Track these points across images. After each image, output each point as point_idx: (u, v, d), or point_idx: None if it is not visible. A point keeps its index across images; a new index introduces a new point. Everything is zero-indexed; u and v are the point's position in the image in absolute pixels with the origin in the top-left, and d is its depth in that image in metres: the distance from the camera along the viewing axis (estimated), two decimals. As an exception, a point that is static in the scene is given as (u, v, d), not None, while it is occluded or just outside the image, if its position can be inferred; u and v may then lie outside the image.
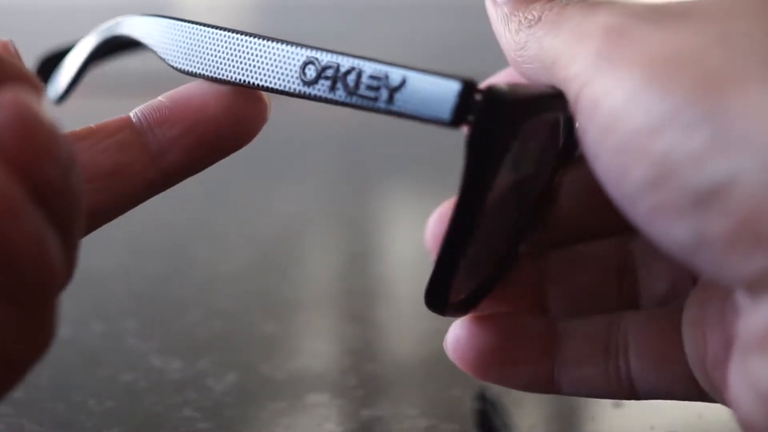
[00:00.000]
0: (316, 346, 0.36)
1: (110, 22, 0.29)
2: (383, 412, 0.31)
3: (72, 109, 0.28)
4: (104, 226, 0.25)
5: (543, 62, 0.23)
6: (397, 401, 0.31)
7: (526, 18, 0.23)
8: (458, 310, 0.26)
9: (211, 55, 0.25)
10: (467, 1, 0.88)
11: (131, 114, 0.25)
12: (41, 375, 0.32)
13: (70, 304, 0.37)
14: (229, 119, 0.24)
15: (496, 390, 0.31)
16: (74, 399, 0.31)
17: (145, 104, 0.25)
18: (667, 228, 0.20)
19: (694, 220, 0.19)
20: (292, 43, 0.23)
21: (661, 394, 0.25)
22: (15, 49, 0.24)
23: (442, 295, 0.23)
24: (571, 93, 0.22)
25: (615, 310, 0.26)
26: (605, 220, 0.27)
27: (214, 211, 0.50)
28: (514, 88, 0.22)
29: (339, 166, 0.59)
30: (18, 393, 0.31)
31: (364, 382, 0.32)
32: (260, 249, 0.45)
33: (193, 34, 0.25)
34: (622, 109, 0.20)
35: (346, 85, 0.22)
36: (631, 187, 0.20)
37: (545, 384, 0.26)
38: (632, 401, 0.30)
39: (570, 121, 0.25)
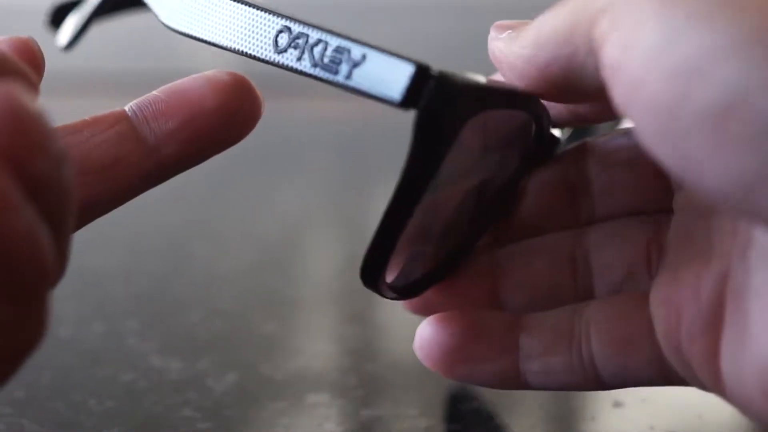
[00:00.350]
0: (316, 346, 0.36)
1: None
2: (383, 412, 0.31)
3: (70, 109, 0.28)
4: (105, 227, 0.25)
5: (557, 35, 0.22)
6: (397, 401, 0.31)
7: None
8: (398, 293, 0.26)
9: (197, 15, 0.25)
10: (467, 1, 0.88)
11: (126, 108, 0.25)
12: (41, 375, 0.32)
13: (70, 304, 0.38)
14: (225, 114, 0.24)
15: (495, 390, 0.31)
16: (74, 399, 0.31)
17: (140, 98, 0.25)
18: (729, 160, 0.18)
19: (762, 152, 0.18)
20: (269, 11, 0.24)
21: (627, 379, 0.25)
22: (37, 47, 0.24)
23: (374, 273, 0.24)
24: (600, 27, 0.20)
25: (571, 300, 0.26)
26: (560, 217, 0.27)
27: (214, 210, 0.50)
28: (471, 78, 0.22)
29: (339, 166, 0.59)
30: (18, 393, 0.31)
31: (364, 382, 0.32)
32: (260, 249, 0.45)
33: None
34: (680, 31, 0.19)
35: (312, 57, 0.23)
36: (692, 113, 0.18)
37: (512, 379, 0.26)
38: (632, 401, 0.30)
39: (542, 126, 0.25)
